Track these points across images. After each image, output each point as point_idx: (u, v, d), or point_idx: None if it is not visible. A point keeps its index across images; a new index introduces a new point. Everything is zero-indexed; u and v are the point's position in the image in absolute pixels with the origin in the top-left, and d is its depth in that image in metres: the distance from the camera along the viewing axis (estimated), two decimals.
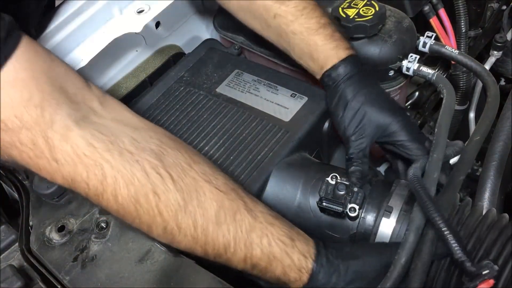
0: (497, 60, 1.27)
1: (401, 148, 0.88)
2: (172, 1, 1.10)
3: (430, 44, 1.01)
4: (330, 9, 1.00)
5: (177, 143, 0.74)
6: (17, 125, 0.64)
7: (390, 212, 0.82)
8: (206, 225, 0.70)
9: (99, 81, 1.09)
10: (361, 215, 0.83)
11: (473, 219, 0.76)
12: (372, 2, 0.98)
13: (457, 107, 1.30)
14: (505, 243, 0.69)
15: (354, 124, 0.88)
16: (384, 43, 0.97)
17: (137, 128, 0.72)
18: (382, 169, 1.17)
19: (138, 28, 1.06)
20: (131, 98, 1.09)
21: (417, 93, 1.32)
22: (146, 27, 1.07)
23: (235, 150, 0.92)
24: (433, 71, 0.97)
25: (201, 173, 0.72)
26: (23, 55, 0.64)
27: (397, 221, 0.81)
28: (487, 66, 1.25)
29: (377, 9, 0.97)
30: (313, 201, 0.86)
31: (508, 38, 1.28)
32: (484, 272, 0.63)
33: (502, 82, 1.37)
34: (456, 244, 0.66)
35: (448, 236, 0.66)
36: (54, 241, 0.80)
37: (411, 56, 0.99)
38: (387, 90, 1.02)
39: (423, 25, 1.14)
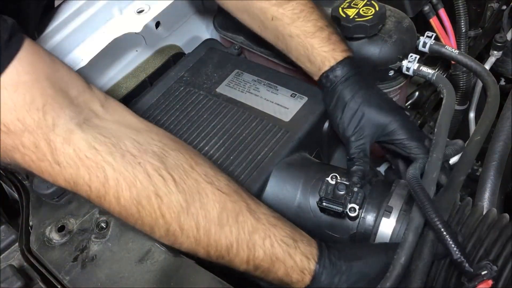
0: (497, 60, 1.27)
1: (401, 146, 0.88)
2: (172, 1, 1.10)
3: (430, 44, 1.01)
4: (330, 9, 1.00)
5: (179, 145, 0.74)
6: (19, 128, 0.64)
7: (390, 212, 0.82)
8: (208, 227, 0.70)
9: (99, 81, 1.09)
10: (361, 215, 0.83)
11: (474, 218, 0.76)
12: (372, 2, 0.98)
13: (457, 107, 1.30)
14: (505, 243, 0.69)
15: (353, 125, 0.88)
16: (384, 43, 0.97)
17: (139, 130, 0.72)
18: (382, 169, 1.17)
19: (138, 28, 1.06)
20: (131, 98, 1.09)
21: (417, 93, 1.33)
22: (146, 27, 1.07)
23: (235, 150, 0.92)
24: (433, 71, 0.97)
25: (203, 175, 0.72)
26: (25, 58, 0.65)
27: (397, 221, 0.81)
28: (487, 66, 1.25)
29: (377, 9, 0.97)
30: (313, 201, 0.86)
31: (508, 38, 1.28)
32: (483, 273, 0.63)
33: (502, 82, 1.37)
34: (454, 245, 0.66)
35: (446, 236, 0.66)
36: (54, 241, 0.80)
37: (411, 56, 0.99)
38: (387, 90, 1.02)
39: (423, 25, 1.14)
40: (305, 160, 0.93)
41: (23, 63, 0.64)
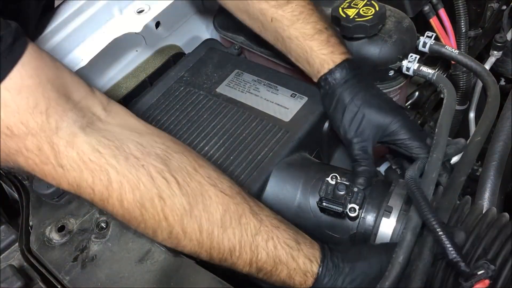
0: (497, 60, 1.27)
1: (403, 147, 0.88)
2: (172, 1, 1.10)
3: (430, 44, 1.01)
4: (330, 9, 1.00)
5: (182, 147, 0.74)
6: (23, 131, 0.64)
7: (390, 212, 0.82)
8: (211, 230, 0.70)
9: (99, 81, 1.09)
10: (361, 215, 0.83)
11: (473, 217, 0.76)
12: (372, 2, 0.98)
13: (457, 107, 1.30)
14: (504, 242, 0.69)
15: (354, 127, 0.88)
16: (384, 43, 0.97)
17: (142, 133, 0.72)
18: (382, 169, 1.17)
19: (138, 28, 1.06)
20: (131, 98, 1.09)
21: (417, 93, 1.33)
22: (146, 27, 1.07)
23: (235, 150, 0.92)
24: (433, 71, 0.97)
25: (206, 177, 0.72)
26: (29, 62, 0.65)
27: (397, 221, 0.81)
28: (487, 66, 1.25)
29: (377, 9, 0.97)
30: (313, 201, 0.86)
31: (508, 38, 1.29)
32: (479, 273, 0.63)
33: (502, 82, 1.37)
34: (449, 245, 0.66)
35: (442, 237, 0.66)
36: (54, 241, 0.80)
37: (411, 56, 0.99)
38: (387, 90, 1.02)
39: (423, 25, 1.14)
40: (305, 160, 0.93)
41: (26, 67, 0.64)
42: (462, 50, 1.24)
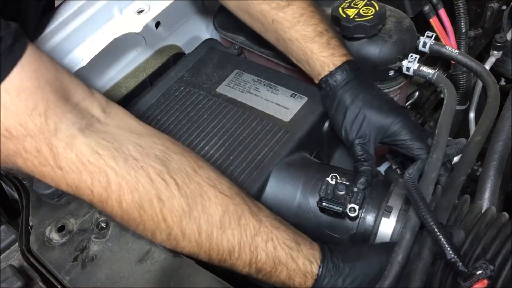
0: (497, 60, 1.27)
1: (404, 147, 0.88)
2: (172, 1, 1.10)
3: (430, 44, 1.01)
4: (330, 9, 1.00)
5: (181, 148, 0.74)
6: (21, 133, 0.64)
7: (390, 212, 0.82)
8: (210, 231, 0.70)
9: (99, 81, 1.09)
10: (361, 215, 0.83)
11: (472, 216, 0.76)
12: (372, 2, 0.98)
13: (457, 107, 1.30)
14: (504, 241, 0.69)
15: (355, 129, 0.88)
16: (384, 43, 0.97)
17: (141, 134, 0.72)
18: (382, 169, 1.17)
19: (138, 28, 1.06)
20: (131, 98, 1.09)
21: (417, 93, 1.33)
22: (146, 27, 1.07)
23: (235, 150, 0.92)
24: (433, 71, 0.97)
25: (205, 178, 0.72)
26: (28, 64, 0.65)
27: (397, 221, 0.81)
28: (487, 66, 1.25)
29: (377, 9, 0.97)
30: (313, 201, 0.86)
31: (508, 38, 1.28)
32: (477, 273, 0.63)
33: (502, 82, 1.37)
34: (447, 245, 0.66)
35: (439, 237, 0.66)
36: (54, 241, 0.80)
37: (411, 56, 0.99)
38: (387, 90, 1.02)
39: (423, 25, 1.14)
40: (305, 160, 0.93)
41: (26, 69, 0.64)
42: (462, 50, 1.24)
